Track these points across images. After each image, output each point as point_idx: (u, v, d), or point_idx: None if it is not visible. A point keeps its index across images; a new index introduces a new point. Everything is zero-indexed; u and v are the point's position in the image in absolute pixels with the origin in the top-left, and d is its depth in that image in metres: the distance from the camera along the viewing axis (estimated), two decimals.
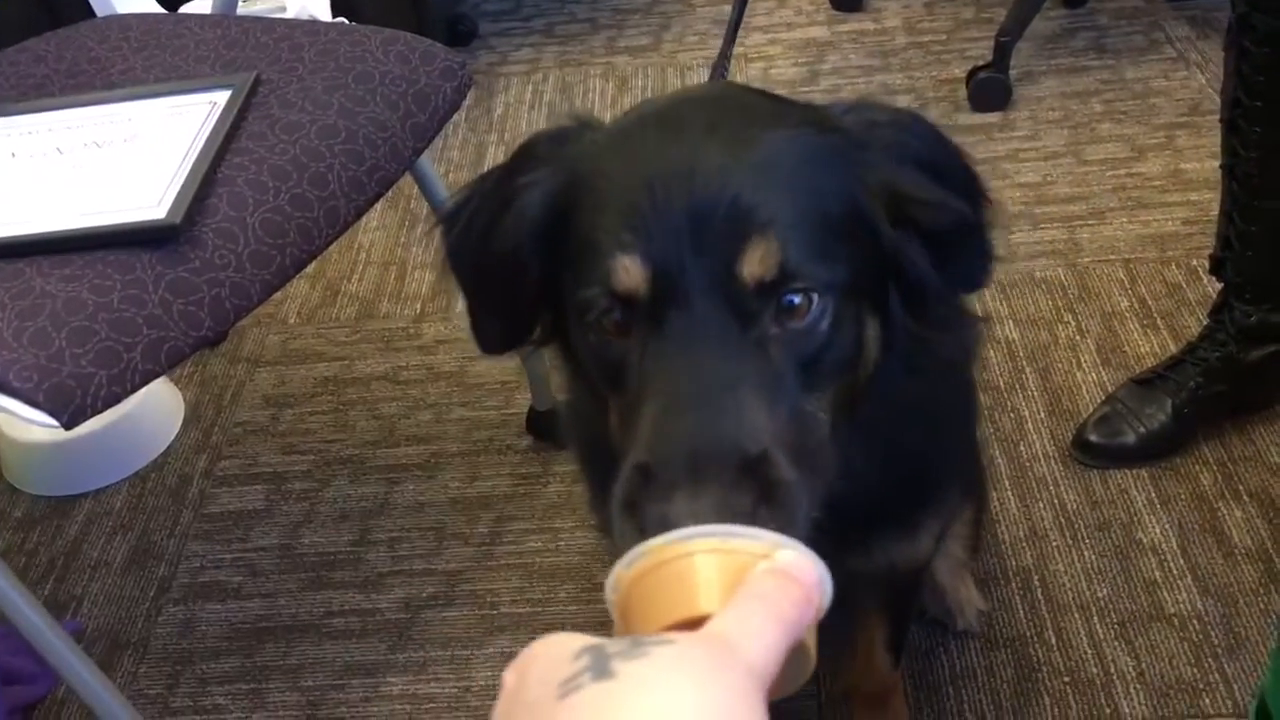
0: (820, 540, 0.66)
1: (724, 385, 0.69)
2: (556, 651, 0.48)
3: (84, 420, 1.12)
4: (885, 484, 0.91)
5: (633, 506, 0.66)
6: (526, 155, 0.87)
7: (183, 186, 1.25)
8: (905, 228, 0.80)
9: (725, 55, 2.59)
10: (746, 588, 0.52)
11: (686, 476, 0.64)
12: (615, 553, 0.57)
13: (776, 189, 0.75)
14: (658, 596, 0.54)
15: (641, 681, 0.44)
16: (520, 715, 0.47)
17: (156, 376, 1.17)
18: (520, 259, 0.84)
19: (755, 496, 0.64)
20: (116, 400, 1.13)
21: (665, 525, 0.60)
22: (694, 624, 0.51)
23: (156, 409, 1.97)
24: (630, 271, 0.73)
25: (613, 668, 0.45)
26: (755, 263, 0.72)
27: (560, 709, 0.44)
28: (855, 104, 0.84)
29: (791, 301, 0.73)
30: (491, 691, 1.54)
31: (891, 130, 0.82)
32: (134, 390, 1.15)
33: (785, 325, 0.73)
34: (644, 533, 0.62)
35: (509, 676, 0.50)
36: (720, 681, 0.45)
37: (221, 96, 1.39)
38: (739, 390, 0.69)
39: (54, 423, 1.10)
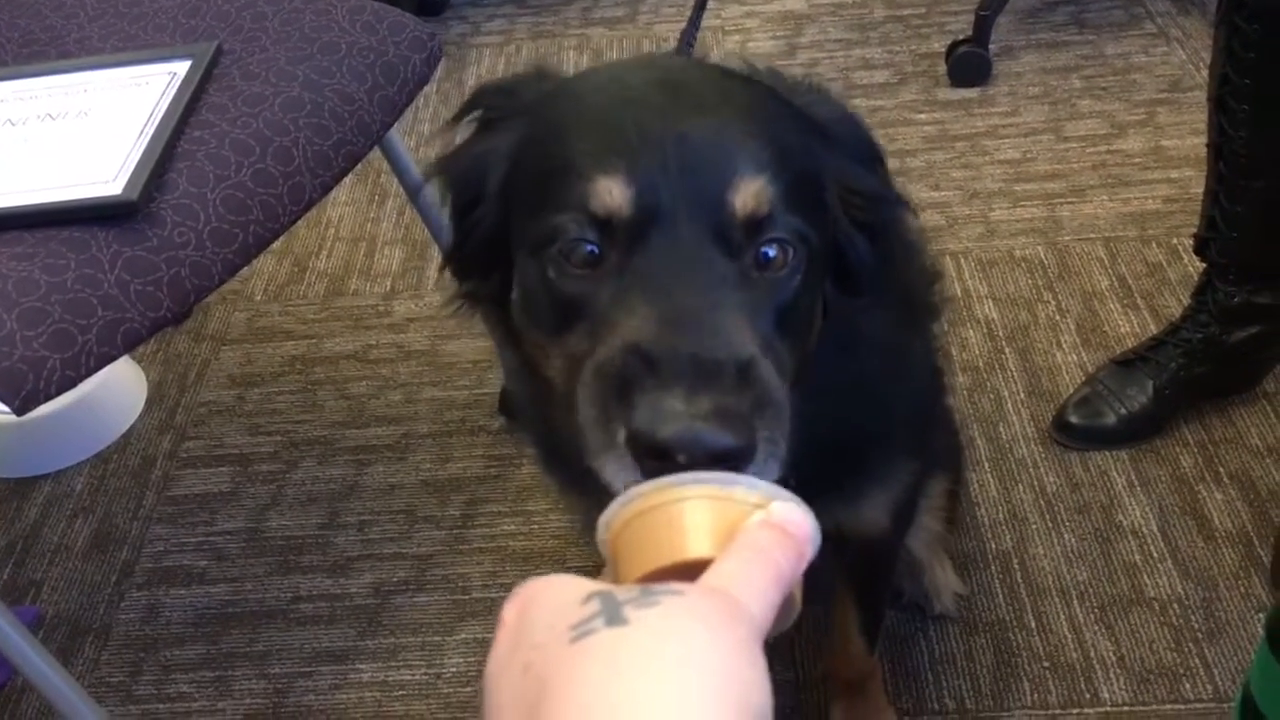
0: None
1: (716, 302, 0.69)
2: (561, 594, 0.48)
3: (37, 406, 1.08)
4: (823, 450, 0.88)
5: (622, 389, 0.65)
6: (478, 103, 0.88)
7: (140, 161, 1.20)
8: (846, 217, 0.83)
9: (694, 25, 2.55)
10: (744, 539, 0.52)
11: (689, 375, 0.63)
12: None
13: (766, 134, 0.76)
14: (648, 539, 0.54)
15: (656, 630, 0.45)
16: (526, 655, 0.46)
17: (113, 360, 1.13)
18: (480, 210, 0.84)
19: (751, 402, 0.64)
20: (71, 385, 1.10)
21: (669, 418, 0.60)
22: (683, 568, 0.52)
23: (118, 388, 1.93)
24: (614, 192, 0.72)
25: (625, 614, 0.45)
26: (750, 195, 0.72)
27: (572, 652, 0.44)
28: (817, 95, 0.87)
29: (767, 255, 0.73)
30: (463, 678, 1.51)
31: (848, 127, 0.86)
32: (89, 374, 1.11)
33: (763, 273, 0.74)
34: (640, 422, 0.62)
35: (509, 613, 0.50)
36: (730, 634, 0.46)
37: (181, 67, 1.34)
38: (729, 307, 0.69)
39: (4, 408, 1.06)
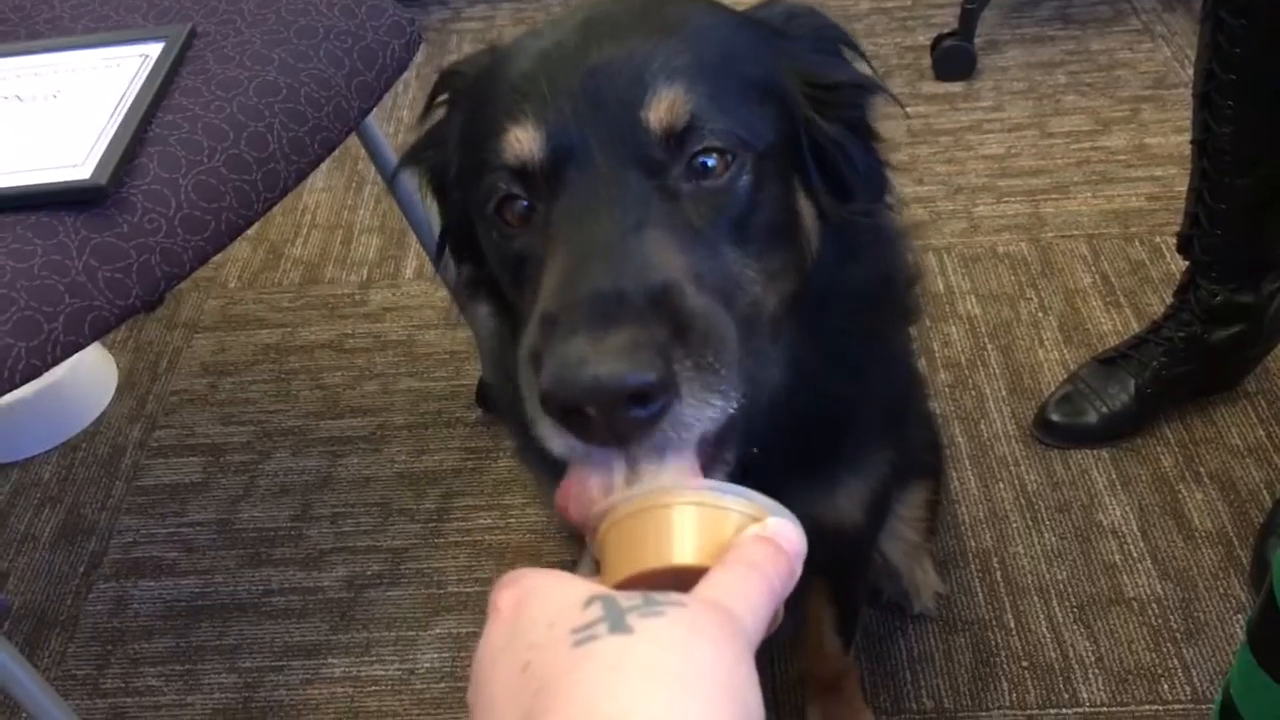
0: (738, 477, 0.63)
1: (628, 228, 0.66)
2: (561, 594, 0.48)
3: (2, 395, 1.05)
4: (801, 425, 0.87)
5: (537, 358, 0.62)
6: (443, 88, 0.87)
7: (110, 145, 1.17)
8: (822, 116, 0.80)
9: None
10: (739, 553, 0.52)
11: (589, 317, 0.61)
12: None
13: (684, 44, 0.74)
14: (636, 541, 0.54)
15: (660, 640, 0.45)
16: (524, 654, 0.46)
17: (80, 348, 1.10)
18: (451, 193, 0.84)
19: (668, 331, 0.61)
20: (36, 374, 1.07)
21: (568, 370, 0.58)
22: (668, 572, 0.52)
23: (88, 375, 1.90)
24: (521, 140, 0.71)
25: (629, 622, 0.45)
26: (664, 109, 0.70)
27: (575, 657, 0.45)
28: (769, 1, 0.84)
29: (705, 164, 0.71)
30: (437, 674, 1.49)
31: (801, 19, 0.83)
32: (56, 363, 1.08)
33: (699, 183, 0.71)
34: (544, 383, 0.59)
35: (504, 603, 0.50)
36: (731, 648, 0.46)
37: (154, 49, 1.31)
38: (643, 230, 0.67)
39: None
